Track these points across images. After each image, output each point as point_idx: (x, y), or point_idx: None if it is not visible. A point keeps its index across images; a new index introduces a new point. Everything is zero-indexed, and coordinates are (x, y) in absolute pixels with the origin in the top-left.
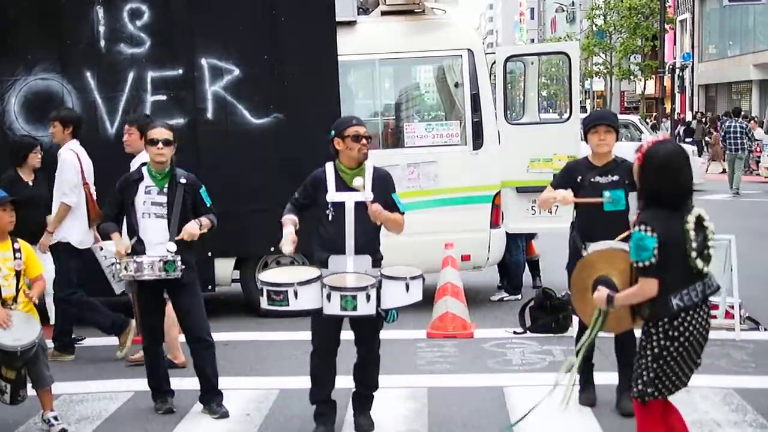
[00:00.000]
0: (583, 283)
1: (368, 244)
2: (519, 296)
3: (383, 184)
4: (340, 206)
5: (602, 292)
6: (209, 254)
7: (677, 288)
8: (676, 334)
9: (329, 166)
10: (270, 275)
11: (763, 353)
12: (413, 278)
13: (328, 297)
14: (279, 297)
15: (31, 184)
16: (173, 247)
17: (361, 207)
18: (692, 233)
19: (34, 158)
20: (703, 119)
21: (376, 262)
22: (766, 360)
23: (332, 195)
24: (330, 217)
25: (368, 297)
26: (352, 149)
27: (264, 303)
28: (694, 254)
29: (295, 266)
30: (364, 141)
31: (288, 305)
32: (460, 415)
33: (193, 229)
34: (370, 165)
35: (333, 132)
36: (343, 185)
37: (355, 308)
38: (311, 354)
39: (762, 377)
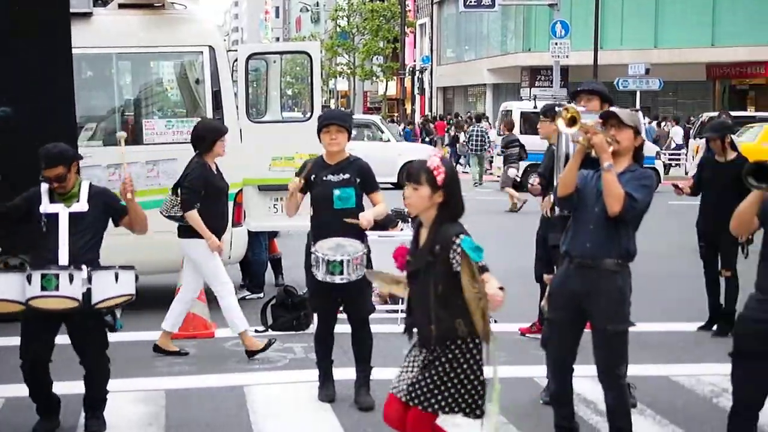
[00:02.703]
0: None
1: (83, 255)
2: (261, 294)
3: (101, 197)
4: (53, 218)
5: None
6: None
7: None
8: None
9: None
10: None
11: (500, 345)
12: (122, 267)
13: (29, 279)
14: None
15: (215, 173)
16: None
17: (75, 218)
18: None
19: (221, 146)
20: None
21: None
22: (498, 351)
23: (45, 206)
24: (44, 229)
25: (71, 278)
26: None
27: None
28: None
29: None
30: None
31: None
32: (199, 417)
33: None
34: (86, 184)
35: None
36: (55, 198)
37: (57, 287)
38: (21, 366)
39: (503, 367)
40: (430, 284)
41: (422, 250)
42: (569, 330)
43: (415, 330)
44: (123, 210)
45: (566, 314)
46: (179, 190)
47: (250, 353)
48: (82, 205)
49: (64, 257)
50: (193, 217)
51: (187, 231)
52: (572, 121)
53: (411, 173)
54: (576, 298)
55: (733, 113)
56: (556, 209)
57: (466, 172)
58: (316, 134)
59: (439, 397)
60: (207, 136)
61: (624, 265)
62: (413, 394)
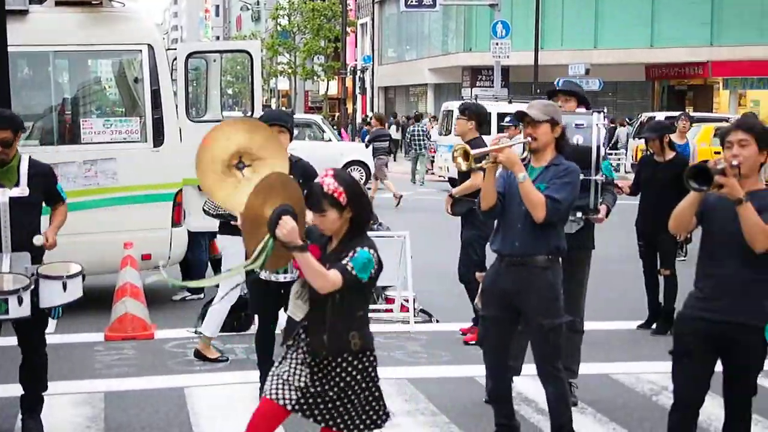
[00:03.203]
0: (257, 209)
1: (26, 240)
2: (201, 295)
3: (43, 178)
4: None
5: (291, 223)
6: None
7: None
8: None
9: None
10: None
11: (434, 344)
12: (70, 276)
13: None
14: None
15: None
16: None
17: (16, 203)
18: None
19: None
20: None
21: (37, 258)
22: (438, 350)
23: None
24: None
25: (20, 300)
26: None
27: None
28: None
29: None
30: None
31: None
32: (139, 419)
33: None
34: (26, 159)
35: None
36: None
37: (6, 312)
38: None
39: (433, 367)
40: (331, 293)
41: (330, 256)
42: (504, 327)
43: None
44: (57, 199)
45: (500, 312)
46: None
47: (200, 355)
48: (23, 190)
49: (7, 245)
50: None
51: (228, 227)
52: (466, 155)
53: (312, 203)
54: (508, 296)
55: (671, 114)
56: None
57: None
58: None
59: (335, 414)
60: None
61: (554, 260)
62: (311, 411)
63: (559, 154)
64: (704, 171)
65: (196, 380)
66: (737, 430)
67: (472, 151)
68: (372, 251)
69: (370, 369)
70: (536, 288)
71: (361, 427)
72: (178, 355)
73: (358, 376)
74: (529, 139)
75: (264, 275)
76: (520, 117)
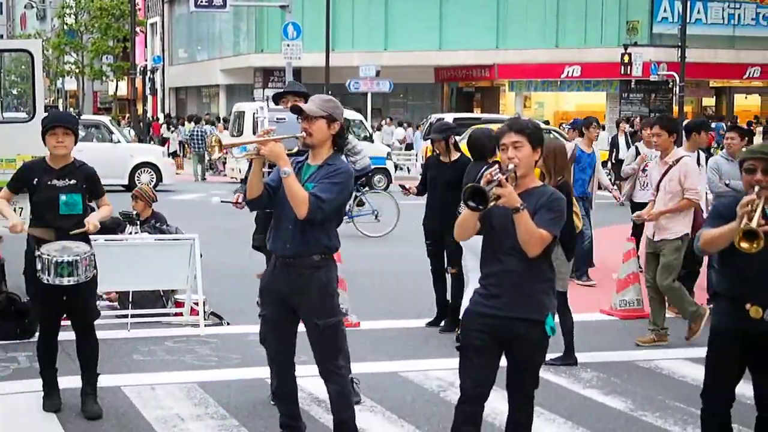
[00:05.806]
0: None
1: None
2: None
3: None
4: None
5: None
6: None
7: None
8: None
9: None
10: None
11: (225, 347)
12: None
13: None
14: None
15: None
16: None
17: None
18: None
19: None
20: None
21: None
22: (228, 353)
23: None
24: None
25: None
26: None
27: None
28: None
29: None
30: None
31: None
32: None
33: None
34: None
35: None
36: None
37: None
38: None
39: (223, 370)
40: None
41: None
42: (283, 326)
43: None
44: None
45: (277, 311)
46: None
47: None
48: None
49: None
50: None
51: None
52: (221, 145)
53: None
54: (283, 295)
55: (460, 115)
56: None
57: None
58: (40, 135)
59: None
60: (488, 144)
61: (327, 259)
62: None
63: (336, 153)
64: (480, 191)
65: None
66: (520, 423)
67: (224, 141)
68: None
69: None
70: (309, 288)
71: None
72: None
73: None
74: (304, 134)
75: (48, 280)
76: (297, 111)
